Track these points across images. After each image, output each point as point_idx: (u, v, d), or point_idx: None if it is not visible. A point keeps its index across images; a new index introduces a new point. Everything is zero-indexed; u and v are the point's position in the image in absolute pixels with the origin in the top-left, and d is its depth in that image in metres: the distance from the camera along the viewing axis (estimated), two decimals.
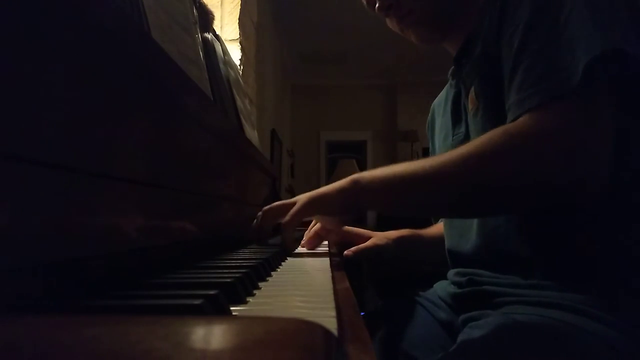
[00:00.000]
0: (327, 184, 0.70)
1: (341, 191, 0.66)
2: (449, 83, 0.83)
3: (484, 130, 0.62)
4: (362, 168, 5.31)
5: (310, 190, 0.71)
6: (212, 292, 0.28)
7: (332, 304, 0.32)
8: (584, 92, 0.50)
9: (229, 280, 0.35)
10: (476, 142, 0.55)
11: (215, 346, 0.15)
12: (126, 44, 0.41)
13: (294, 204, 0.70)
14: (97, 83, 0.38)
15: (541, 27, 0.55)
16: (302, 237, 0.91)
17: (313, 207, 0.69)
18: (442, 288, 0.79)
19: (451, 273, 0.77)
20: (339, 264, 0.68)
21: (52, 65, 0.32)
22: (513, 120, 0.55)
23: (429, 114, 0.95)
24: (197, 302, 0.26)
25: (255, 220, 0.77)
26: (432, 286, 0.86)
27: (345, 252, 0.90)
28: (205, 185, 0.71)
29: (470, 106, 0.68)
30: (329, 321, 0.26)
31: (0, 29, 0.27)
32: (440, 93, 0.91)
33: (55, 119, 0.32)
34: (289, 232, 0.71)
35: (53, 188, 0.31)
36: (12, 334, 0.16)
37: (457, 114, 0.75)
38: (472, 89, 0.67)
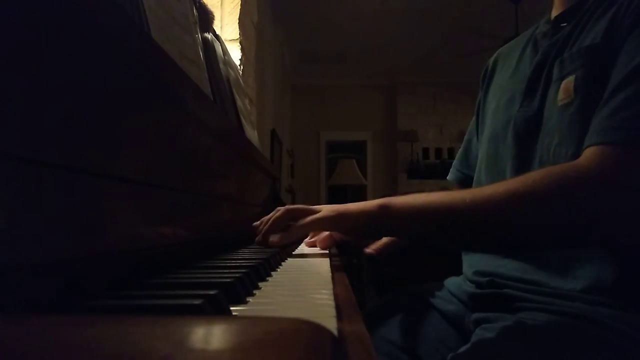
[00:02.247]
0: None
1: (367, 214, 0.61)
2: (531, 35, 0.73)
3: (570, 130, 0.57)
4: (362, 168, 5.32)
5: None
6: (212, 292, 0.28)
7: (332, 304, 0.32)
8: None
9: (229, 280, 0.35)
10: (526, 180, 0.51)
11: (215, 346, 0.15)
12: (126, 44, 0.41)
13: (318, 211, 0.67)
14: (97, 83, 0.38)
15: None
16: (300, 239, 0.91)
17: (335, 222, 0.66)
18: (455, 284, 0.77)
19: (469, 271, 0.74)
20: (339, 264, 0.68)
21: (51, 65, 0.32)
22: (586, 148, 0.50)
23: (491, 61, 0.86)
24: (197, 302, 0.26)
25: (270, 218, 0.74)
26: (439, 282, 0.84)
27: (367, 250, 0.86)
28: (205, 185, 0.71)
29: (561, 95, 0.60)
30: (329, 321, 0.26)
31: None
32: (512, 43, 0.81)
33: (54, 119, 0.32)
34: (299, 234, 0.69)
35: (53, 188, 0.31)
36: (12, 334, 0.16)
37: (535, 83, 0.66)
38: (573, 78, 0.59)
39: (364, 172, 5.37)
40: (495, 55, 0.86)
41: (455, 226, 0.56)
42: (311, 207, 0.70)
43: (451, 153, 5.63)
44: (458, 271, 0.80)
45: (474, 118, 0.89)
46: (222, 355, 0.14)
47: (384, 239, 0.87)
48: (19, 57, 0.28)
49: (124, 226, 0.41)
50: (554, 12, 0.70)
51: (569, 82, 0.59)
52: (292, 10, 4.00)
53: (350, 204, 0.66)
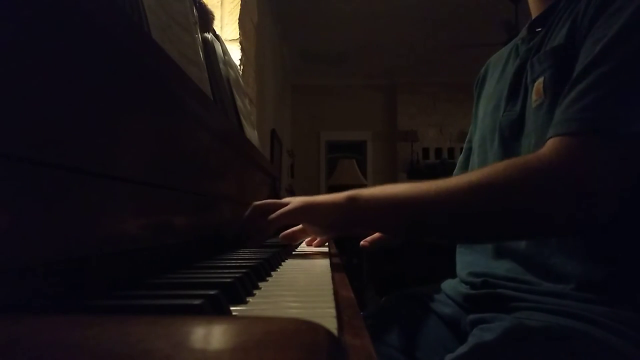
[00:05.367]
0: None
1: (336, 205, 0.62)
2: (514, 44, 0.76)
3: (544, 130, 0.58)
4: (362, 168, 5.32)
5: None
6: (212, 292, 0.28)
7: (332, 304, 0.32)
8: (629, 142, 0.48)
9: (229, 280, 0.35)
10: (490, 170, 0.53)
11: (215, 346, 0.15)
12: (126, 44, 0.41)
13: (286, 204, 0.68)
14: (97, 83, 0.38)
15: (625, 50, 0.50)
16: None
17: (305, 214, 0.66)
18: (450, 287, 0.77)
19: (463, 273, 0.74)
20: (339, 264, 0.68)
21: (51, 65, 0.32)
22: (548, 140, 0.52)
23: (482, 70, 0.88)
24: (197, 302, 0.26)
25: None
26: (436, 285, 0.84)
27: (362, 242, 0.87)
28: (205, 185, 0.71)
29: (534, 97, 0.62)
30: (329, 321, 0.26)
31: None
32: (501, 51, 0.83)
33: (54, 119, 0.32)
34: (270, 229, 0.68)
35: (53, 188, 0.31)
36: (12, 334, 0.16)
37: (515, 89, 0.69)
38: (542, 79, 0.61)
39: (364, 172, 5.37)
40: (486, 64, 0.89)
41: (421, 217, 0.57)
42: (278, 200, 0.70)
43: (451, 153, 5.63)
44: (455, 272, 0.80)
45: (471, 126, 0.91)
46: (222, 355, 0.14)
47: (378, 233, 0.88)
48: (18, 58, 0.28)
49: (123, 226, 0.41)
50: (533, 18, 0.72)
51: (539, 83, 0.61)
52: (292, 10, 4.00)
53: (320, 195, 0.66)
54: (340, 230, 0.67)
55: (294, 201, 0.67)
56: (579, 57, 0.55)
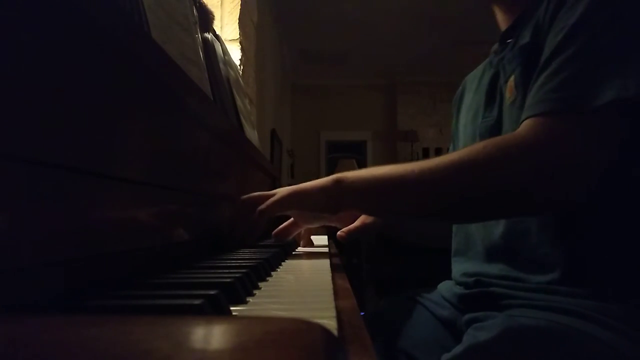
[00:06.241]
0: None
1: (322, 189, 0.64)
2: (489, 59, 0.79)
3: (519, 124, 0.62)
4: (362, 168, 5.32)
5: None
6: (212, 292, 0.28)
7: (332, 304, 0.32)
8: (599, 116, 0.50)
9: (229, 280, 0.35)
10: (470, 150, 0.54)
11: (215, 346, 0.16)
12: (126, 44, 0.41)
13: (273, 195, 0.68)
14: (97, 83, 0.38)
15: (584, 35, 0.53)
16: (298, 237, 0.91)
17: (293, 201, 0.67)
18: (446, 288, 0.78)
19: (457, 274, 0.76)
20: (339, 264, 0.68)
21: (51, 66, 0.32)
22: (522, 121, 0.54)
23: (460, 87, 0.92)
24: (197, 302, 0.26)
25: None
26: (434, 287, 0.85)
27: (338, 234, 0.87)
28: (205, 185, 0.71)
29: (508, 95, 0.65)
30: (329, 321, 0.26)
31: None
32: (477, 68, 0.87)
33: (54, 119, 0.32)
34: (262, 221, 0.68)
35: (53, 188, 0.31)
36: (12, 334, 0.16)
37: (491, 95, 0.72)
38: (513, 77, 0.64)
39: None
40: (463, 82, 0.92)
41: (405, 196, 0.59)
42: (265, 192, 0.71)
43: None
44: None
45: (450, 145, 0.93)
46: (222, 355, 0.14)
47: (355, 223, 0.88)
48: (18, 58, 0.28)
49: (124, 226, 0.41)
50: (503, 30, 0.75)
51: (511, 81, 0.64)
52: (293, 10, 4.00)
53: (305, 183, 0.67)
54: (327, 211, 0.68)
55: (281, 190, 0.69)
56: (544, 51, 0.58)
